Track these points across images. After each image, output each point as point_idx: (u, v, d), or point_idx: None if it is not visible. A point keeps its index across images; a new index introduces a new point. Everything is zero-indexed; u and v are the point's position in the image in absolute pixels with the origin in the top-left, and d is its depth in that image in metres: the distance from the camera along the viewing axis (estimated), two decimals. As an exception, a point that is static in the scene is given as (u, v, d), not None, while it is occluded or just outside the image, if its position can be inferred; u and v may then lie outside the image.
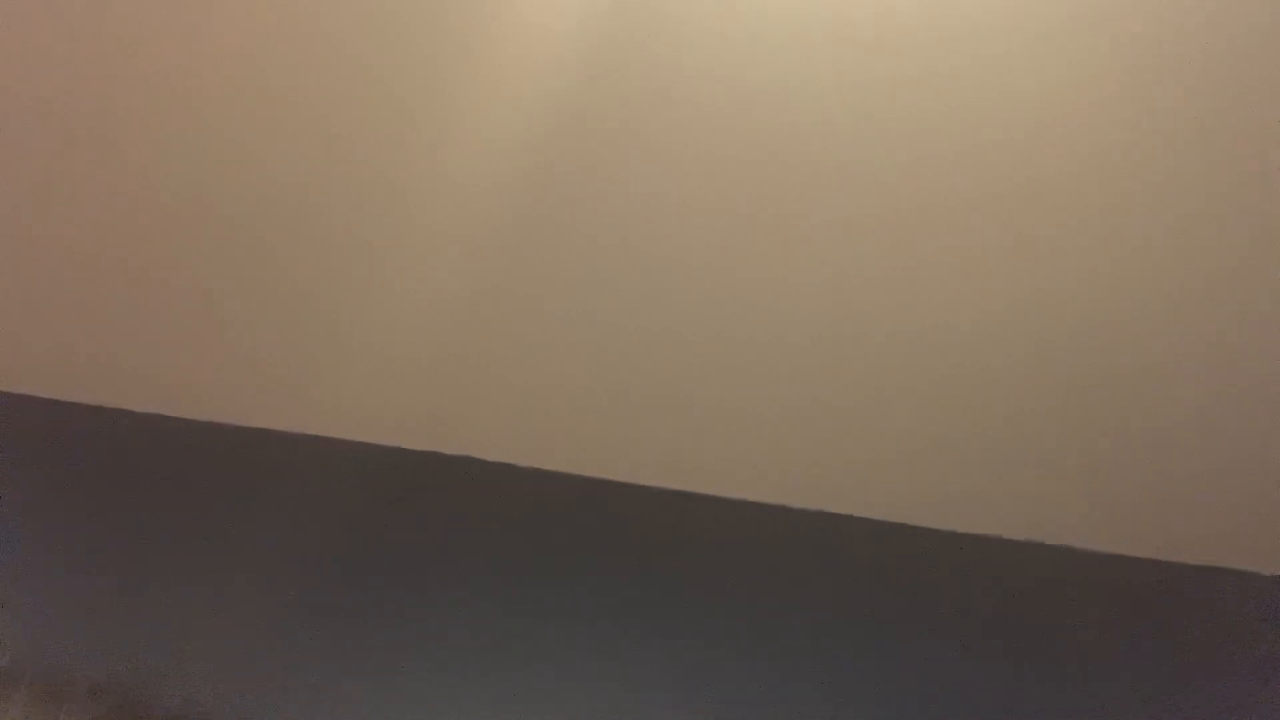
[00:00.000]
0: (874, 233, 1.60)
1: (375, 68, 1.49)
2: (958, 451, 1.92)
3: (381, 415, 2.01)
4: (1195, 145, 1.47)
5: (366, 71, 1.50)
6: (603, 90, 1.46)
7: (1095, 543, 2.06)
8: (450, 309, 1.79)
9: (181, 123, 1.59)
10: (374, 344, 1.88)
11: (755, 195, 1.56)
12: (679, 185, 1.56)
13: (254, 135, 1.59)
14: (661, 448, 1.96)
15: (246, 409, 2.03)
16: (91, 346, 1.94)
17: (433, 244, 1.71)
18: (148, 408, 2.05)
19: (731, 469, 1.99)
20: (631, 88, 1.45)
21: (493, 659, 1.90)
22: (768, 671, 1.92)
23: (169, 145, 1.62)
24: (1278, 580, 1.99)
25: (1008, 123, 1.46)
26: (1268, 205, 1.52)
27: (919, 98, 1.45)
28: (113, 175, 1.65)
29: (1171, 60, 1.39)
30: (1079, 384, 1.79)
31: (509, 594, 1.95)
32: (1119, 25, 1.35)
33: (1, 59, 1.51)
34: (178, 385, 2.00)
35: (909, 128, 1.49)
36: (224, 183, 1.65)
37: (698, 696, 1.89)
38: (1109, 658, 1.97)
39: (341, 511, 2.01)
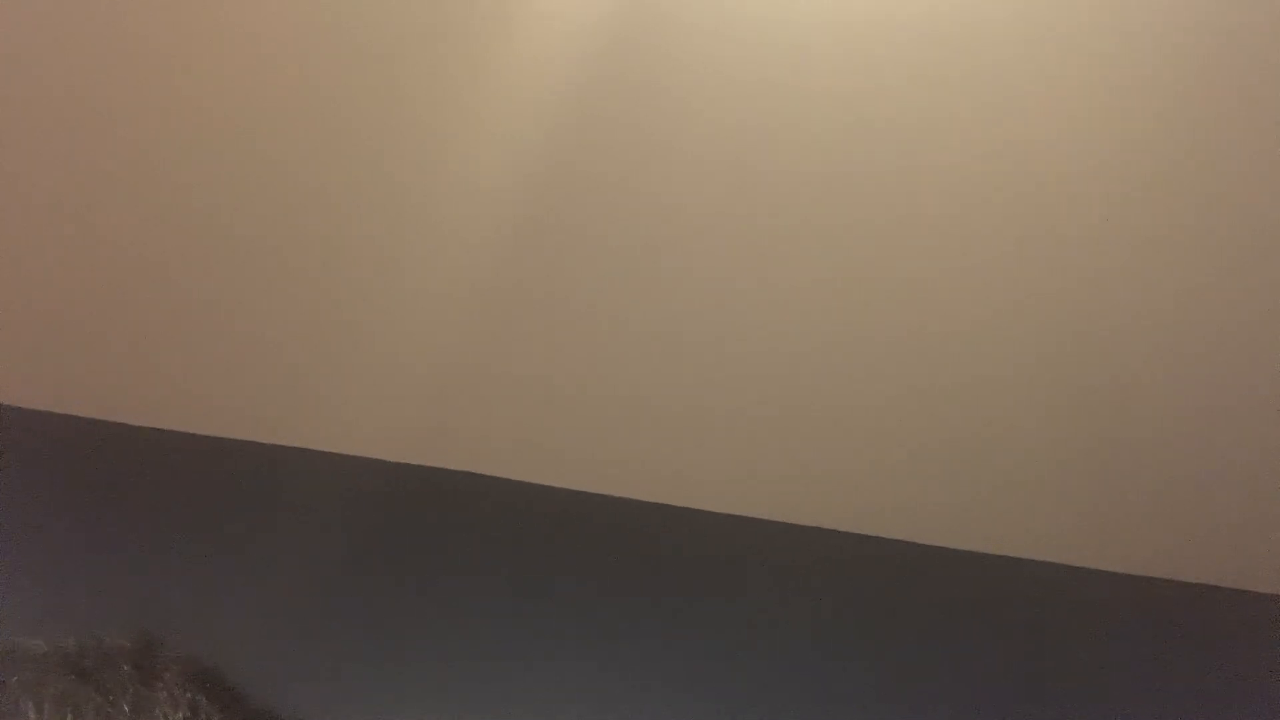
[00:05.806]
0: (872, 239, 1.59)
1: (383, 67, 1.47)
2: (952, 465, 1.91)
3: (385, 431, 2.00)
4: (1193, 151, 1.47)
5: (374, 70, 1.48)
6: (619, 92, 1.45)
7: (1092, 560, 2.06)
8: (457, 320, 1.78)
9: (180, 123, 1.56)
10: (379, 359, 1.86)
11: (768, 202, 1.56)
12: (694, 193, 1.55)
13: (256, 138, 1.56)
14: (672, 463, 1.96)
15: (249, 424, 2.02)
16: (93, 360, 1.92)
17: (440, 252, 1.69)
18: (148, 422, 2.04)
19: (740, 484, 1.98)
20: (649, 90, 1.44)
21: (495, 672, 1.89)
22: (767, 677, 1.91)
23: (168, 147, 1.59)
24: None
25: (1007, 128, 1.46)
26: (1268, 209, 1.52)
27: (920, 103, 1.45)
28: (115, 182, 1.63)
29: (1169, 67, 1.39)
30: (1075, 394, 1.79)
31: (512, 609, 1.94)
32: (1122, 26, 1.35)
33: (2, 58, 1.49)
34: (179, 400, 1.99)
35: (908, 133, 1.48)
36: (223, 187, 1.62)
37: (697, 703, 1.88)
38: (1102, 677, 1.97)
39: (344, 528, 1.99)
